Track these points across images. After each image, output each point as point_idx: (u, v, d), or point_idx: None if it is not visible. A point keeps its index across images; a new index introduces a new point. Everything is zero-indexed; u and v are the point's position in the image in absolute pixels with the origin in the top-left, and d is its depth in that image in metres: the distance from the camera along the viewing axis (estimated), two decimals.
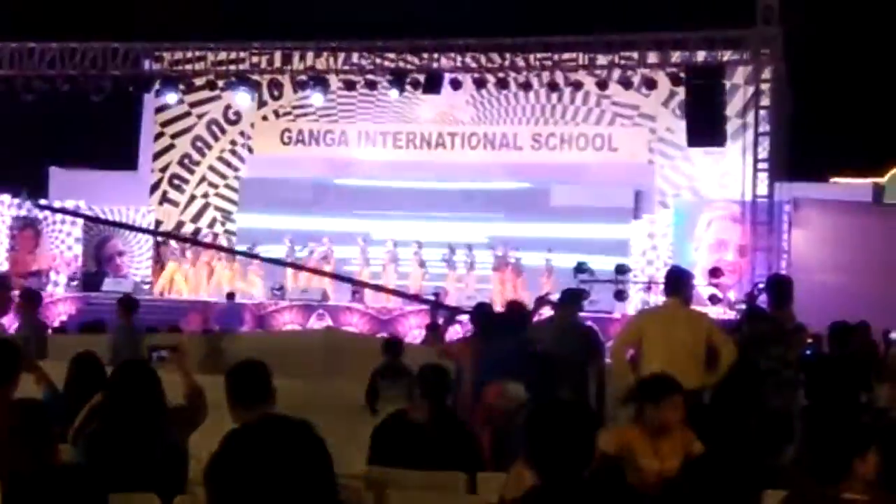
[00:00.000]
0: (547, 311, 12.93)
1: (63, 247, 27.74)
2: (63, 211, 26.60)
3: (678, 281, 11.37)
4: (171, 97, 27.16)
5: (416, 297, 22.81)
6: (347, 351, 13.80)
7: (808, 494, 5.69)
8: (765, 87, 24.26)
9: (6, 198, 27.99)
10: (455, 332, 16.25)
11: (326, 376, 13.04)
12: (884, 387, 11.84)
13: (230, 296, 24.98)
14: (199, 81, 26.88)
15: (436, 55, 25.34)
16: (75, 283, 26.83)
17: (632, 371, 10.20)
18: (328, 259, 25.91)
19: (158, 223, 28.67)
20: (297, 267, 24.75)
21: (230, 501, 2.63)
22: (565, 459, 4.47)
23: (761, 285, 17.58)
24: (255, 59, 26.70)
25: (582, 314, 13.67)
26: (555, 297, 12.77)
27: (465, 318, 15.03)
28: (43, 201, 27.59)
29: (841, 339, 12.49)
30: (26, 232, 27.96)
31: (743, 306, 18.40)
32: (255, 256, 25.53)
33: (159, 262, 27.92)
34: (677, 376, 10.27)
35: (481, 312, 11.99)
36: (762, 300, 13.91)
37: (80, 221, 27.61)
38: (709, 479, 4.43)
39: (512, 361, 9.99)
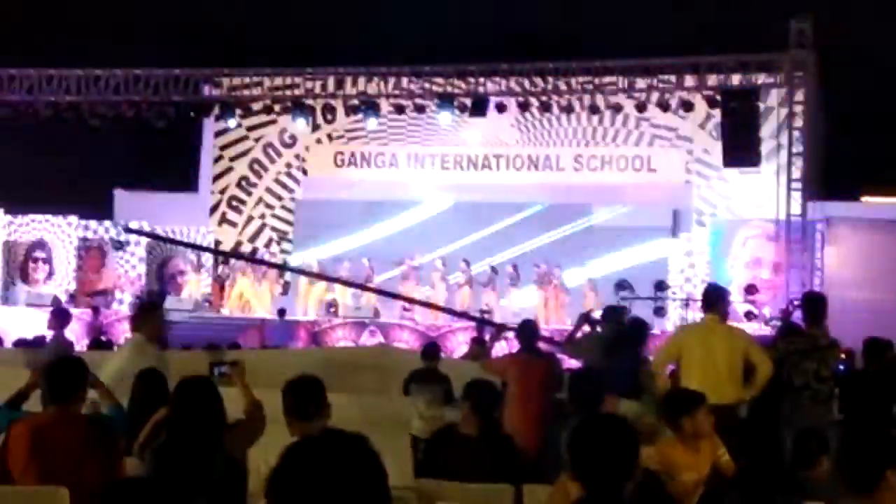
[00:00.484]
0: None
1: (127, 266, 27.87)
2: (152, 235, 26.63)
3: (716, 297, 11.37)
4: (230, 122, 27.32)
5: (464, 315, 22.76)
6: (400, 367, 13.78)
7: None
8: (798, 108, 24.18)
9: (73, 220, 28.13)
10: (501, 349, 16.18)
11: (380, 392, 13.04)
12: None
13: (281, 312, 25.05)
14: (256, 106, 27.07)
15: (481, 80, 25.39)
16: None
17: (672, 385, 10.22)
18: (369, 279, 25.82)
19: (217, 243, 28.76)
20: (355, 285, 24.68)
21: None
22: (608, 473, 4.48)
23: (796, 302, 17.48)
24: (309, 85, 26.88)
25: None
26: (597, 314, 12.74)
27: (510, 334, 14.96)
28: (133, 224, 27.65)
29: (874, 354, 12.40)
30: (92, 253, 28.10)
31: (778, 322, 18.30)
32: (310, 274, 25.55)
33: (218, 281, 27.97)
34: (715, 390, 10.31)
35: (526, 329, 11.99)
36: (797, 316, 13.84)
37: (144, 241, 27.71)
38: (748, 493, 4.43)
39: (627, 378, 9.95)
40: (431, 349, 13.76)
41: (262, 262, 25.82)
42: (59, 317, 15.30)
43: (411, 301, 23.80)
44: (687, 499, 6.99)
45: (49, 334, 15.39)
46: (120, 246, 27.64)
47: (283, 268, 26.70)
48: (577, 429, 4.69)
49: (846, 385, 11.95)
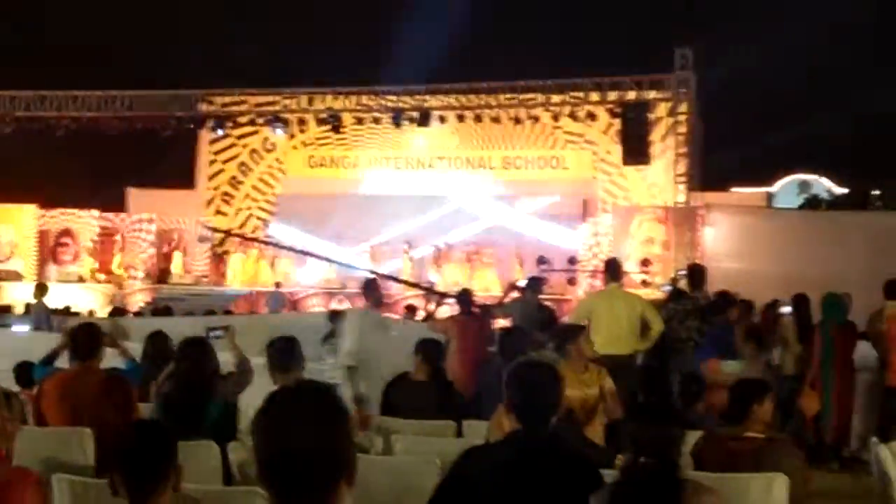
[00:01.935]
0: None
1: (139, 250, 27.69)
2: (228, 233, 26.23)
3: (616, 269, 11.50)
4: (221, 132, 27.24)
5: (416, 285, 22.62)
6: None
7: (719, 433, 5.70)
8: (681, 118, 24.32)
9: (95, 212, 27.90)
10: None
11: None
12: (777, 349, 11.86)
13: (277, 285, 24.99)
14: (242, 119, 27.05)
15: (426, 97, 25.45)
16: (149, 278, 26.74)
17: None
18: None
19: (214, 229, 28.59)
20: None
21: (270, 449, 2.62)
22: (538, 409, 4.47)
23: (682, 272, 17.61)
24: (285, 102, 26.85)
25: (542, 296, 13.74)
26: (522, 283, 12.76)
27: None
28: (144, 215, 27.69)
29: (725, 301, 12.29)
30: (110, 239, 27.89)
31: (668, 288, 18.41)
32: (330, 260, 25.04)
33: (216, 259, 27.90)
34: (617, 342, 10.41)
35: (463, 296, 12.02)
36: (683, 284, 13.94)
37: (155, 228, 27.58)
38: (643, 423, 4.42)
39: (725, 339, 9.92)
40: (334, 314, 13.71)
41: (309, 253, 25.23)
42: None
43: (394, 279, 23.41)
44: (575, 411, 6.99)
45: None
46: (204, 240, 27.36)
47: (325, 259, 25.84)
48: (512, 371, 4.68)
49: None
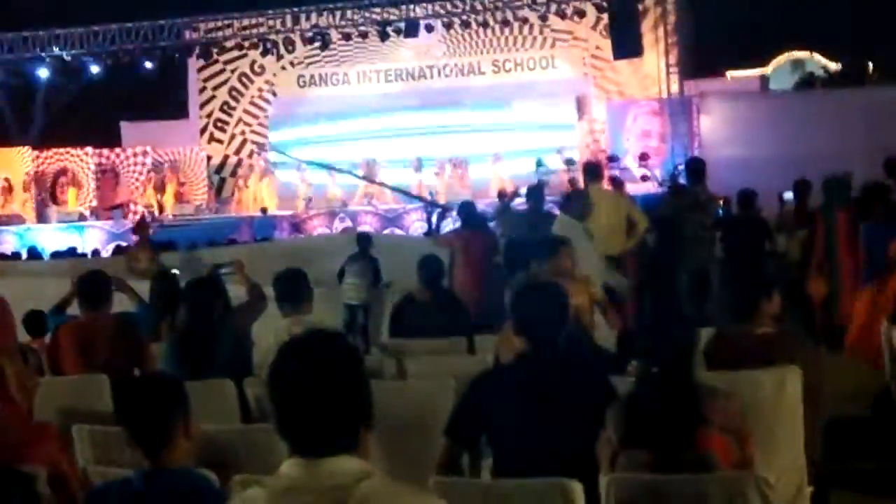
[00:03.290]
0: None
1: (137, 183, 27.66)
2: (294, 159, 25.84)
3: (596, 170, 11.59)
4: (208, 58, 27.07)
5: (419, 198, 22.52)
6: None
7: (728, 331, 5.71)
8: (670, 6, 24.14)
9: (89, 150, 27.82)
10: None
11: None
12: (781, 237, 11.87)
13: (263, 210, 24.90)
14: (229, 44, 26.85)
15: (412, 6, 25.18)
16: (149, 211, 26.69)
17: None
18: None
19: (209, 157, 28.50)
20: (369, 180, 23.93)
21: (286, 404, 2.63)
22: (546, 329, 4.49)
23: (681, 166, 17.59)
24: (271, 23, 26.55)
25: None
26: (523, 190, 12.74)
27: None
28: (139, 148, 27.85)
29: (744, 202, 12.48)
30: (108, 175, 27.86)
31: (668, 183, 18.41)
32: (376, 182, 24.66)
33: (216, 188, 27.92)
34: (604, 243, 10.45)
35: (466, 208, 12.01)
36: (683, 178, 13.93)
37: (150, 161, 27.54)
38: (659, 332, 4.42)
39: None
40: (363, 238, 13.79)
41: (382, 184, 24.68)
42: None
43: (396, 190, 23.22)
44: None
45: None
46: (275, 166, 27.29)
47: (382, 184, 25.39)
48: (518, 293, 4.70)
49: (725, 228, 12.05)
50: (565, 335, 4.53)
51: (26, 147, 27.70)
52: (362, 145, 26.83)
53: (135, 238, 15.33)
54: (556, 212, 11.92)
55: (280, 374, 2.66)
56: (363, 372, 2.72)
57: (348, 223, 23.36)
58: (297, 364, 2.65)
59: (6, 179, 27.20)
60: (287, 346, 2.71)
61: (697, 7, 25.77)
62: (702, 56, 26.43)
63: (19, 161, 27.47)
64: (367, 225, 23.10)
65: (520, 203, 13.27)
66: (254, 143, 29.11)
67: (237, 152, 28.98)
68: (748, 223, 11.97)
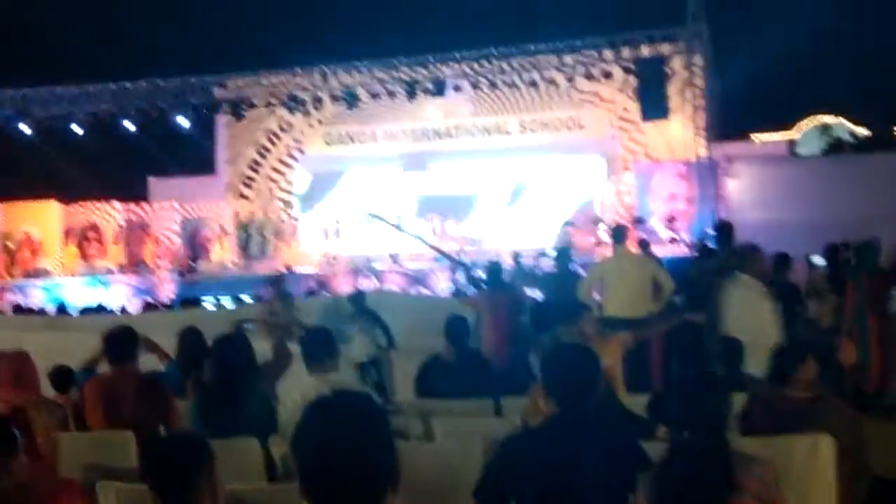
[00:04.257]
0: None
1: (165, 239, 27.79)
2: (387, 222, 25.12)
3: (622, 232, 11.56)
4: (237, 116, 27.24)
5: (452, 258, 22.27)
6: (392, 305, 13.78)
7: (763, 395, 5.65)
8: (697, 70, 24.18)
9: (117, 204, 28.01)
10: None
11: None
12: (812, 302, 11.78)
13: (288, 268, 24.95)
14: (257, 102, 26.98)
15: (440, 66, 25.32)
16: (177, 267, 26.77)
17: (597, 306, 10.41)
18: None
19: (236, 213, 28.64)
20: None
21: (313, 466, 2.60)
22: (577, 393, 4.43)
23: (710, 230, 17.54)
24: (299, 81, 26.76)
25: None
26: (551, 251, 12.73)
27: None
28: (165, 203, 28.06)
29: (784, 264, 12.35)
30: (135, 230, 28.00)
31: (696, 246, 18.34)
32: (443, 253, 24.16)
33: (242, 244, 28.00)
34: (631, 306, 10.39)
35: (493, 269, 11.98)
36: (710, 241, 13.87)
37: (179, 219, 27.70)
38: (692, 398, 4.36)
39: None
40: (356, 297, 13.70)
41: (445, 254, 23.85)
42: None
43: (437, 250, 22.82)
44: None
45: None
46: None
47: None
48: (548, 355, 4.64)
49: None
50: (596, 398, 4.48)
51: (54, 200, 27.88)
52: (387, 201, 26.91)
53: (268, 291, 15.40)
54: (582, 272, 11.89)
55: (306, 434, 2.62)
56: (390, 433, 2.68)
57: (374, 281, 23.35)
58: (323, 425, 2.61)
59: (28, 233, 27.37)
60: (314, 406, 2.68)
61: (724, 70, 25.87)
62: (728, 119, 26.48)
63: (47, 214, 27.66)
64: (393, 284, 23.11)
65: (546, 263, 13.27)
66: (281, 199, 29.24)
67: (263, 209, 29.11)
68: (780, 288, 11.88)
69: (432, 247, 20.94)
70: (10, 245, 27.36)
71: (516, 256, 16.19)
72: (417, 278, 23.62)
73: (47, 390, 7.76)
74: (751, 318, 8.97)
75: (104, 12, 28.89)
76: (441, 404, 7.53)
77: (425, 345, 10.45)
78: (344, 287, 23.34)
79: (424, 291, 22.71)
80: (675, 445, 4.19)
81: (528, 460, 4.33)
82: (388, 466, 2.63)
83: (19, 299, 24.63)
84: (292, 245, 26.70)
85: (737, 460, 4.11)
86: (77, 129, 25.91)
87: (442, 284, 22.86)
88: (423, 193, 27.05)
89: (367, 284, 22.84)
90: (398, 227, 22.24)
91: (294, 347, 7.40)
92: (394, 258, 24.85)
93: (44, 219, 27.63)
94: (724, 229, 12.04)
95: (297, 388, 6.83)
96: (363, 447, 2.58)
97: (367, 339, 12.59)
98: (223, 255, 27.76)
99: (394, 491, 2.63)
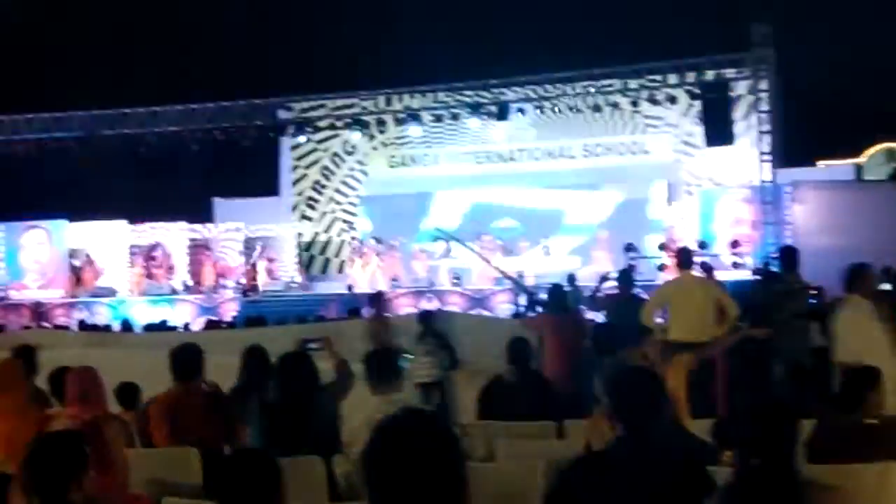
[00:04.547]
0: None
1: (229, 259, 28.01)
2: (457, 240, 23.78)
3: (688, 256, 11.50)
4: (301, 138, 27.44)
5: (516, 282, 22.13)
6: (457, 327, 13.80)
7: (832, 421, 5.57)
8: (762, 95, 23.99)
9: (183, 224, 28.32)
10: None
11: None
12: None
13: (350, 288, 24.99)
14: (322, 124, 27.17)
15: (504, 89, 25.33)
16: (240, 286, 26.97)
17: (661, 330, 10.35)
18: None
19: (299, 234, 28.80)
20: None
21: (384, 486, 2.59)
22: (642, 415, 4.40)
23: (774, 255, 17.36)
24: (364, 104, 26.94)
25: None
26: (614, 274, 12.65)
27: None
28: (230, 224, 28.62)
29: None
30: (200, 250, 28.25)
31: (760, 271, 18.16)
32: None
33: (305, 265, 28.17)
34: (694, 330, 10.30)
35: (555, 292, 11.93)
36: (776, 265, 13.73)
37: (241, 238, 27.93)
38: (759, 424, 4.30)
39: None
40: (425, 316, 13.68)
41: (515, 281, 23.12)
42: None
43: (506, 275, 22.58)
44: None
45: None
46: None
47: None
48: (615, 378, 4.61)
49: (821, 317, 11.78)
50: (661, 422, 4.44)
51: (120, 220, 28.20)
52: (449, 223, 26.97)
53: (370, 311, 15.57)
54: (645, 296, 11.83)
55: (378, 452, 2.62)
56: (461, 453, 2.68)
57: (436, 303, 23.37)
58: (395, 445, 2.61)
59: (94, 252, 27.75)
60: (385, 425, 2.68)
61: (789, 95, 25.64)
62: (793, 144, 26.22)
63: (114, 234, 28.02)
64: (454, 305, 23.12)
65: (609, 287, 13.19)
66: (344, 221, 29.40)
67: (327, 230, 29.29)
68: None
69: (497, 269, 20.89)
70: (77, 263, 27.74)
71: (571, 279, 16.15)
72: (478, 299, 23.61)
73: (112, 406, 7.83)
74: (861, 339, 8.85)
75: (172, 35, 29.26)
76: (503, 426, 7.51)
77: (487, 366, 10.46)
78: (405, 309, 23.37)
79: (484, 313, 22.69)
80: (743, 471, 4.14)
81: (594, 484, 4.29)
82: (458, 485, 2.63)
83: (85, 316, 24.97)
84: (354, 266, 26.76)
85: (805, 488, 4.06)
86: (144, 150, 26.14)
87: (502, 306, 22.82)
88: (486, 215, 27.01)
89: (429, 305, 22.85)
90: (466, 246, 22.18)
91: (356, 367, 7.41)
92: (455, 279, 24.84)
93: (110, 238, 27.98)
94: (789, 254, 11.92)
95: (360, 408, 6.85)
96: (434, 466, 2.58)
97: (432, 360, 12.59)
98: (286, 275, 27.94)
99: None
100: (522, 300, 16.54)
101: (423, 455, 2.58)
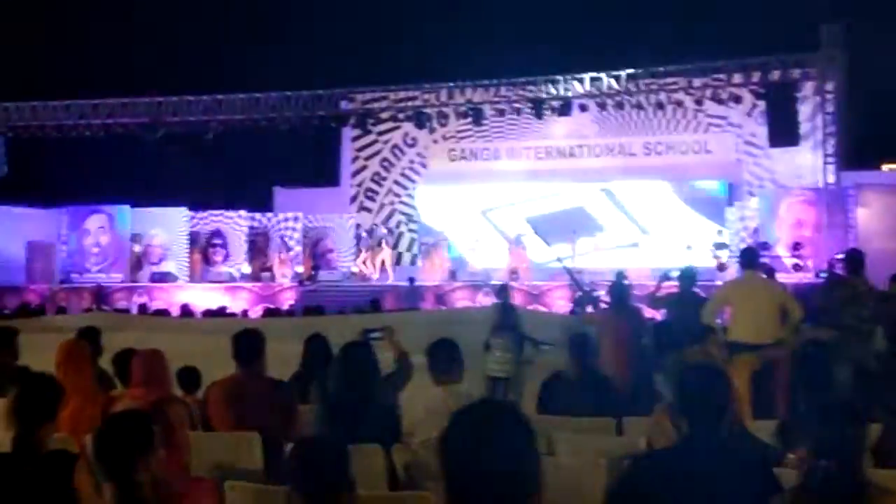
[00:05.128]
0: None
1: (288, 249, 28.16)
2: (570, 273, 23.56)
3: (752, 257, 11.41)
4: (363, 129, 27.53)
5: (574, 279, 21.96)
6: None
7: None
8: (828, 96, 23.74)
9: (243, 212, 28.52)
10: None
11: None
12: None
13: (411, 280, 25.04)
14: (384, 116, 27.25)
15: (566, 86, 25.24)
16: (298, 275, 27.12)
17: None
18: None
19: (358, 225, 28.90)
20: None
21: (460, 474, 2.60)
22: (710, 414, 4.36)
23: (839, 256, 17.17)
24: (426, 97, 26.98)
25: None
26: (675, 273, 12.53)
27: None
28: (290, 214, 28.59)
29: None
30: (259, 238, 28.44)
31: (824, 274, 17.97)
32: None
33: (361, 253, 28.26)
34: (758, 331, 10.21)
35: (616, 288, 11.87)
36: (840, 268, 13.59)
37: (300, 227, 28.05)
38: (828, 426, 4.25)
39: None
40: (508, 309, 13.69)
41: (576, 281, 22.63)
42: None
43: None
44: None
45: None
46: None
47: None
48: (682, 376, 4.57)
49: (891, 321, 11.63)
50: (727, 421, 4.40)
51: (184, 207, 28.46)
52: (509, 219, 26.94)
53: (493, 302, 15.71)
54: (704, 295, 11.74)
55: (455, 441, 2.63)
56: (535, 443, 2.68)
57: (493, 297, 23.32)
58: (473, 432, 2.62)
59: (156, 238, 28.01)
60: (462, 413, 2.68)
61: (855, 98, 25.35)
62: (858, 147, 25.92)
63: (175, 220, 28.26)
64: (513, 300, 23.06)
65: (669, 286, 13.09)
66: (403, 213, 29.45)
67: (385, 221, 29.37)
68: None
69: (567, 269, 20.69)
70: (138, 248, 28.02)
71: (619, 276, 16.11)
72: (535, 294, 23.56)
73: (174, 390, 7.89)
74: None
75: (237, 25, 29.47)
76: (562, 421, 7.48)
77: (547, 361, 10.44)
78: (462, 302, 23.42)
79: (541, 308, 22.63)
80: (810, 473, 4.10)
81: (660, 482, 4.26)
82: (533, 475, 2.65)
83: (145, 300, 25.22)
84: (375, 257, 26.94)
85: (873, 491, 4.01)
86: (208, 137, 26.35)
87: (560, 302, 22.75)
88: (547, 211, 26.95)
89: (485, 300, 22.84)
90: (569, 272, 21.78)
91: (418, 359, 7.42)
92: (513, 274, 24.79)
93: (172, 224, 28.23)
94: (855, 257, 11.77)
95: (420, 398, 6.86)
96: (510, 455, 2.60)
97: (507, 356, 12.57)
98: (345, 264, 28.05)
99: (538, 499, 2.65)
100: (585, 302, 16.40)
101: (501, 442, 2.60)
